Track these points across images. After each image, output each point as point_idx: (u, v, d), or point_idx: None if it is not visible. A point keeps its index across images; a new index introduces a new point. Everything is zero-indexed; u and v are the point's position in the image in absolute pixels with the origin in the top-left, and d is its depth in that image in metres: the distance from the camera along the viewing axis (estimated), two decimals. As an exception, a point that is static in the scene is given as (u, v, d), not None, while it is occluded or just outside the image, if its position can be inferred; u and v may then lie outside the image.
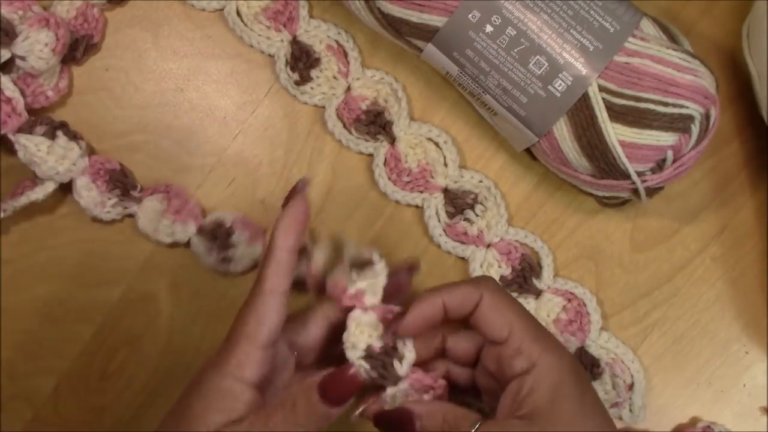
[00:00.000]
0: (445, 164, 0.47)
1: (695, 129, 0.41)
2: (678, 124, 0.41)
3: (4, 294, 0.47)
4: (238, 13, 0.47)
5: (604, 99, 0.41)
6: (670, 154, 0.42)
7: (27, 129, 0.45)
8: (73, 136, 0.46)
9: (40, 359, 0.48)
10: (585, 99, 0.41)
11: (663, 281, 0.48)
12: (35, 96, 0.46)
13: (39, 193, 0.46)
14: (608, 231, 0.48)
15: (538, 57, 0.41)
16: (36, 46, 0.44)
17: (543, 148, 0.43)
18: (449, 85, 0.48)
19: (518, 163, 0.48)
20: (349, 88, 0.47)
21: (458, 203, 0.47)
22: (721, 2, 0.48)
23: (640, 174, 0.42)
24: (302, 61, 0.47)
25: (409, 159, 0.47)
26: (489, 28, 0.41)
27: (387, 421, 0.39)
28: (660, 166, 0.42)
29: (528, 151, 0.46)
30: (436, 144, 0.47)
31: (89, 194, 0.46)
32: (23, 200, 0.45)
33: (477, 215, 0.47)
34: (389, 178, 0.47)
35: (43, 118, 0.46)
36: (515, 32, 0.41)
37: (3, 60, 0.44)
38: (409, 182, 0.47)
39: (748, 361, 0.48)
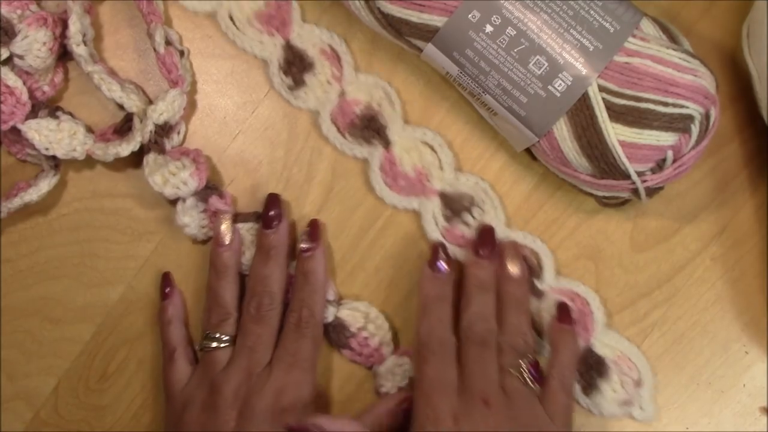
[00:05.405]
0: (441, 168, 0.47)
1: (695, 129, 0.41)
2: (678, 124, 0.41)
3: (4, 294, 0.48)
4: (231, 18, 0.47)
5: (604, 99, 0.41)
6: (670, 154, 0.42)
7: (31, 116, 0.45)
8: (70, 114, 0.46)
9: (40, 359, 0.48)
10: (585, 99, 0.41)
11: (663, 281, 0.48)
12: (32, 92, 0.46)
13: (33, 194, 0.46)
14: (608, 231, 0.48)
15: (538, 57, 0.41)
16: (34, 45, 0.44)
17: (543, 148, 0.43)
18: (449, 85, 0.48)
19: (518, 163, 0.48)
20: (342, 93, 0.47)
21: (455, 206, 0.47)
22: (721, 2, 0.48)
23: (640, 174, 0.42)
24: (295, 65, 0.47)
25: (404, 163, 0.47)
26: (489, 28, 0.41)
27: None
28: (660, 166, 0.42)
29: (528, 151, 0.46)
30: (431, 147, 0.47)
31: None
32: (17, 202, 0.45)
33: (474, 218, 0.47)
34: (385, 183, 0.47)
35: (37, 104, 0.46)
36: (515, 32, 0.41)
37: (2, 59, 0.44)
38: (405, 187, 0.47)
39: (748, 361, 0.48)
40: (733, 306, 0.48)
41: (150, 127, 0.45)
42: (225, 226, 0.46)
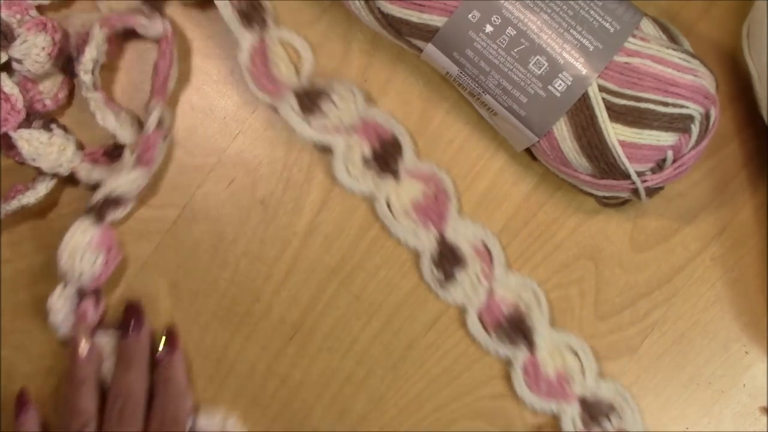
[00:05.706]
0: (583, 373, 0.47)
1: (695, 129, 0.41)
2: (678, 124, 0.41)
3: (4, 294, 0.48)
4: (389, 205, 0.47)
5: (604, 99, 0.41)
6: (670, 154, 0.42)
7: (25, 125, 0.45)
8: (64, 128, 0.46)
9: (40, 359, 0.48)
10: (585, 99, 0.41)
11: (663, 281, 0.48)
12: (32, 103, 0.46)
13: (31, 197, 0.46)
14: (608, 231, 0.48)
15: (538, 57, 0.41)
16: (33, 50, 0.44)
17: (543, 148, 0.43)
18: (449, 85, 0.48)
19: (518, 163, 0.48)
20: (491, 291, 0.47)
21: (594, 413, 0.47)
22: (721, 2, 0.48)
23: (640, 174, 0.42)
24: (447, 260, 0.47)
25: (547, 367, 0.47)
26: (489, 28, 0.41)
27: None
28: (660, 166, 0.42)
29: (528, 151, 0.46)
30: (575, 352, 0.47)
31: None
32: (15, 204, 0.45)
33: (612, 425, 0.47)
34: (526, 385, 0.47)
35: (33, 114, 0.46)
36: (515, 32, 0.41)
37: (1, 62, 0.44)
38: (545, 390, 0.47)
39: (748, 361, 0.48)
40: (733, 306, 0.48)
41: (100, 197, 0.45)
42: (83, 339, 0.45)
